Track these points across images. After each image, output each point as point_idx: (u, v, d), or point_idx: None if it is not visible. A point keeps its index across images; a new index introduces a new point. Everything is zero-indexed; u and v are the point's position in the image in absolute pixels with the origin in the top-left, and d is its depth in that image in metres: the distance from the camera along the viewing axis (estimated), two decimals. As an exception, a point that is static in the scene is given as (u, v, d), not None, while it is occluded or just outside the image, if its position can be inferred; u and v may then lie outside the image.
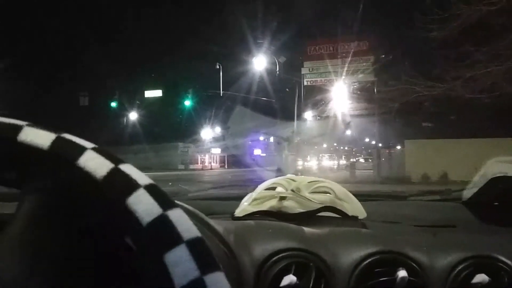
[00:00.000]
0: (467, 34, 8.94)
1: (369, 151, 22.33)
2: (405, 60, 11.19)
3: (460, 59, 9.24)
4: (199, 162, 28.95)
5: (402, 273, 0.67)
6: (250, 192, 1.07)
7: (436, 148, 11.74)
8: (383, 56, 12.92)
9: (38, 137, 0.32)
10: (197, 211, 0.64)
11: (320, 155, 29.13)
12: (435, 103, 10.56)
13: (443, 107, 10.66)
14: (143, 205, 0.30)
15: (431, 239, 0.83)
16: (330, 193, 1.03)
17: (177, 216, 0.31)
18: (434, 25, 9.25)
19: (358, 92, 14.21)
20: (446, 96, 9.92)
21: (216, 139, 25.71)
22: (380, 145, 16.77)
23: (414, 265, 0.70)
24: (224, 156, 30.05)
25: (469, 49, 8.92)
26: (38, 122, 0.33)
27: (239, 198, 1.08)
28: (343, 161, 26.59)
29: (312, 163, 25.16)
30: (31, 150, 0.31)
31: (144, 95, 19.03)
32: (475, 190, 1.11)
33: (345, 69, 13.81)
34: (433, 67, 10.40)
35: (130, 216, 0.30)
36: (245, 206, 1.00)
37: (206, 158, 29.94)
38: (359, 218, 0.99)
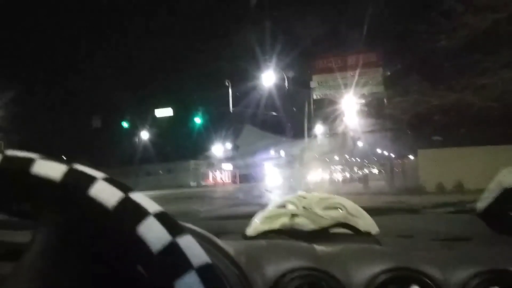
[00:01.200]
0: (476, 43, 8.91)
1: (382, 162, 22.14)
2: (414, 70, 11.15)
3: (470, 68, 9.19)
4: (210, 179, 28.98)
5: None
6: (261, 210, 1.07)
7: (450, 157, 11.57)
8: (393, 68, 12.90)
9: (50, 169, 0.33)
10: (206, 233, 0.64)
11: (332, 167, 28.96)
12: (447, 112, 10.46)
13: (455, 117, 10.54)
14: (153, 233, 0.31)
15: (446, 253, 0.82)
16: (342, 209, 1.02)
17: (187, 243, 0.31)
18: (442, 35, 9.24)
19: (368, 105, 14.15)
20: (457, 106, 9.83)
21: (227, 156, 25.77)
22: (393, 156, 16.63)
23: (429, 281, 0.69)
24: (235, 172, 30.05)
25: (478, 58, 8.87)
26: (53, 147, 0.34)
27: (250, 216, 1.08)
28: (355, 173, 26.39)
29: (323, 177, 25.02)
30: (44, 182, 0.32)
31: (154, 114, 19.22)
32: (490, 200, 1.09)
33: (354, 81, 13.80)
34: (443, 76, 10.35)
35: (141, 244, 0.30)
36: (256, 225, 1.00)
37: (217, 174, 29.98)
38: (372, 233, 0.98)
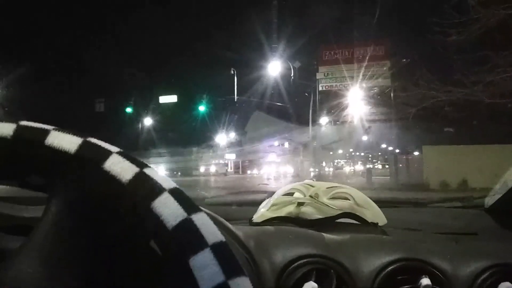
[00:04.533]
0: (486, 38, 8.80)
1: (386, 157, 22.08)
2: (422, 64, 11.06)
3: (480, 63, 9.10)
4: (213, 167, 29.05)
5: (425, 281, 0.66)
6: (268, 197, 1.07)
7: (455, 154, 11.52)
8: (401, 60, 12.78)
9: (65, 141, 0.32)
10: (216, 216, 0.64)
11: (336, 161, 28.93)
12: (454, 108, 10.39)
13: (462, 112, 10.46)
14: (168, 209, 0.30)
15: (454, 246, 0.81)
16: (349, 199, 1.02)
17: (202, 220, 0.31)
18: (452, 29, 9.13)
19: (375, 98, 14.08)
20: (465, 101, 9.76)
21: (232, 144, 25.78)
22: (397, 151, 16.58)
23: (438, 273, 0.69)
24: (239, 161, 30.12)
25: (488, 53, 8.77)
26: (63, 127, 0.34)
27: (257, 203, 1.08)
28: (359, 167, 26.38)
29: (327, 169, 25.00)
30: (58, 154, 0.32)
31: (159, 101, 19.22)
32: (497, 197, 1.09)
33: (361, 74, 13.71)
34: (451, 71, 10.26)
35: (155, 219, 0.30)
36: (263, 212, 1.00)
37: (221, 163, 30.03)
38: (379, 225, 0.98)
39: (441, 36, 9.28)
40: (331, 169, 25.89)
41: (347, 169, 28.18)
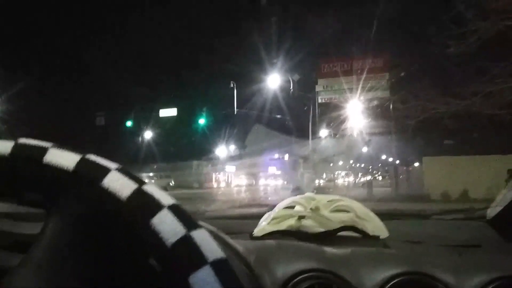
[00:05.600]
0: (485, 49, 8.86)
1: (386, 168, 22.07)
2: (422, 76, 11.11)
3: (479, 74, 9.14)
4: (213, 181, 29.02)
5: None
6: (269, 211, 1.06)
7: (455, 165, 11.50)
8: (400, 73, 12.84)
9: (63, 158, 0.32)
10: (217, 230, 0.63)
11: (336, 172, 28.91)
12: (454, 119, 10.41)
13: (462, 123, 10.48)
14: (167, 226, 0.30)
15: (457, 259, 0.81)
16: (350, 212, 1.01)
17: (201, 237, 0.30)
18: (451, 41, 9.20)
19: (374, 110, 14.12)
20: (465, 113, 9.78)
21: (232, 158, 25.76)
22: (397, 162, 16.57)
23: (441, 286, 0.68)
24: (239, 174, 30.08)
25: (487, 65, 8.82)
26: (60, 143, 0.34)
27: (258, 217, 1.07)
28: (359, 179, 26.34)
29: (328, 181, 24.96)
30: (57, 171, 0.32)
31: (159, 114, 19.27)
32: (498, 209, 1.08)
33: (360, 86, 13.76)
34: (451, 83, 10.31)
35: (154, 236, 0.29)
36: (263, 226, 0.99)
37: (221, 176, 30.01)
38: (380, 237, 0.97)
39: (440, 47, 9.35)
40: (332, 181, 25.85)
41: (348, 180, 28.13)
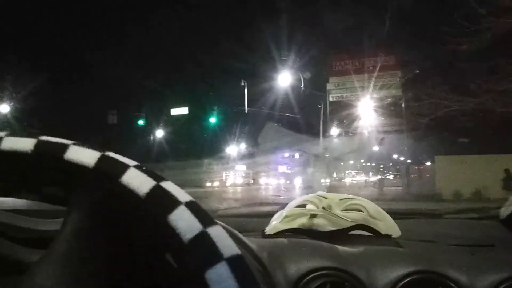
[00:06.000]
0: (498, 47, 8.73)
1: (398, 167, 21.88)
2: (434, 74, 10.97)
3: (491, 72, 9.01)
4: (224, 179, 29.06)
5: None
6: (281, 209, 1.06)
7: (468, 164, 11.36)
8: (412, 70, 12.69)
9: (84, 155, 0.33)
10: (230, 228, 0.64)
11: (347, 171, 28.74)
12: (467, 117, 10.27)
13: (475, 122, 10.33)
14: (184, 222, 0.30)
15: (470, 258, 0.80)
16: (362, 211, 1.01)
17: (217, 233, 0.31)
18: (463, 39, 9.08)
19: (386, 108, 13.99)
20: (478, 111, 9.65)
21: (243, 156, 25.75)
22: (409, 161, 16.42)
23: (454, 285, 0.67)
24: (249, 173, 30.09)
25: (500, 62, 8.69)
26: (81, 141, 0.35)
27: (269, 215, 1.07)
28: (371, 178, 26.14)
29: (339, 179, 24.83)
30: (77, 168, 0.32)
31: (170, 113, 19.35)
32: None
33: (372, 84, 13.65)
34: (463, 81, 10.17)
35: (171, 232, 0.30)
36: (275, 224, 0.99)
37: (231, 175, 30.05)
38: (393, 236, 0.96)
39: (452, 45, 9.23)
40: (343, 179, 25.69)
41: (359, 179, 27.94)
